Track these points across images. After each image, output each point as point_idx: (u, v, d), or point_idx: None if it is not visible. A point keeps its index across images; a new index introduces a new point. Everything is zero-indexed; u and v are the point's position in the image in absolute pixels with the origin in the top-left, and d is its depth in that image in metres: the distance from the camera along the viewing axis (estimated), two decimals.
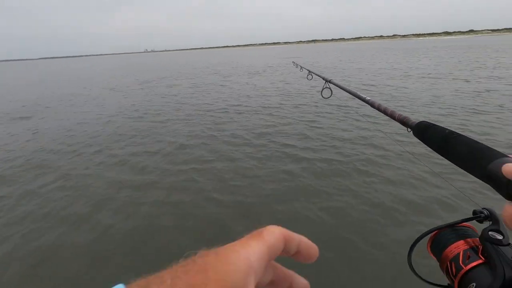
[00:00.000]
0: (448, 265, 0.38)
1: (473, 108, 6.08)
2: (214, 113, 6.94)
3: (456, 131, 0.46)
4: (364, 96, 0.88)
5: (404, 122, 0.62)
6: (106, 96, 11.00)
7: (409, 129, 0.59)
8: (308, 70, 1.27)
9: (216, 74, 17.79)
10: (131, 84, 14.91)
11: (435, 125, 0.51)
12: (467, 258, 0.36)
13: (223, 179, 3.49)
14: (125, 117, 7.17)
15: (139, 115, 7.31)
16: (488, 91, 7.82)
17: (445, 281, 0.40)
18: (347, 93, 1.00)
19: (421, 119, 0.58)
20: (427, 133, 0.51)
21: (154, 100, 9.44)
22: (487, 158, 0.36)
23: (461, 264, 0.36)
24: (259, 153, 4.19)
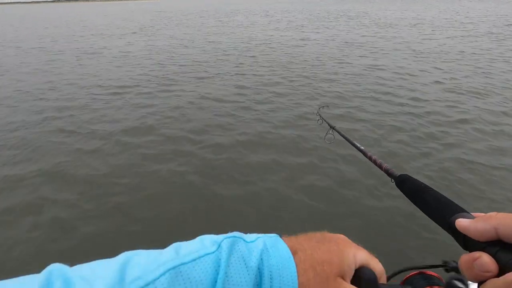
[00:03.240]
0: None
1: None
2: None
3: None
4: (359, 145, 1.00)
5: (388, 173, 0.68)
6: None
7: (392, 180, 0.65)
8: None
9: None
10: None
11: (413, 178, 0.57)
12: None
13: None
14: None
15: None
16: None
17: None
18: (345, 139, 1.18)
19: None
20: (406, 185, 0.57)
21: None
22: (450, 212, 0.42)
23: None
24: None
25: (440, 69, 6.95)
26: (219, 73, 7.30)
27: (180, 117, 4.69)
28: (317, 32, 13.56)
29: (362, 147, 0.96)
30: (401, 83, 5.96)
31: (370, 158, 0.86)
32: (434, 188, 0.51)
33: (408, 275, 0.54)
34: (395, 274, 0.55)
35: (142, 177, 3.19)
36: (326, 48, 9.93)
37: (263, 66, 7.83)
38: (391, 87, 5.80)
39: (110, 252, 0.35)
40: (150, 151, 3.70)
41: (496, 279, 0.30)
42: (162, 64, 8.37)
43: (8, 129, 4.42)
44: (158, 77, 7.03)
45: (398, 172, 0.64)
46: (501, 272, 0.31)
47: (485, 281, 0.31)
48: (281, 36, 12.88)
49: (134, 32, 15.60)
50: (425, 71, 6.78)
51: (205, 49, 10.39)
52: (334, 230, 0.40)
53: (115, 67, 8.12)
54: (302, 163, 3.39)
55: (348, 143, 1.13)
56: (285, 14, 22.53)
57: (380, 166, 0.76)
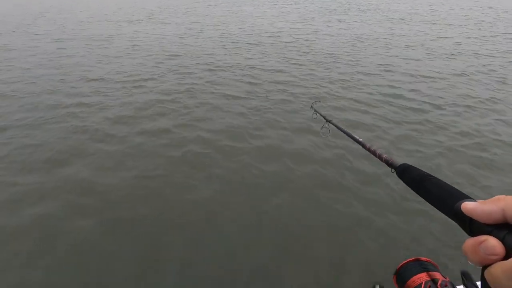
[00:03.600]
0: None
1: None
2: None
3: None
4: (357, 137, 0.98)
5: (389, 163, 0.68)
6: None
7: (393, 170, 0.65)
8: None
9: None
10: None
11: (414, 167, 0.57)
12: None
13: None
14: None
15: None
16: None
17: None
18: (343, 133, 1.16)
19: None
20: (407, 174, 0.57)
21: None
22: (454, 199, 0.42)
23: None
24: None
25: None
26: (231, 66, 7.27)
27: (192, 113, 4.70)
28: (329, 26, 13.33)
29: (361, 139, 0.95)
30: (416, 87, 5.92)
31: (369, 150, 0.85)
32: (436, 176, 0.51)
33: (404, 262, 0.59)
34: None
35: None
36: (338, 43, 9.80)
37: (273, 60, 7.80)
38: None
39: None
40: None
41: (504, 261, 0.29)
42: (173, 55, 8.30)
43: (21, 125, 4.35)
44: (171, 70, 6.97)
45: (398, 162, 0.64)
46: (507, 255, 0.30)
47: (489, 265, 0.31)
48: (290, 29, 12.68)
49: (140, 20, 15.41)
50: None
51: (214, 40, 10.27)
52: None
53: (129, 58, 8.03)
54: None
55: (346, 135, 1.10)
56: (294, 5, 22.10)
57: (380, 157, 0.75)
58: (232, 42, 10.02)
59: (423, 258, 0.64)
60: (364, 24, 13.55)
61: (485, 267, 0.31)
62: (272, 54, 8.35)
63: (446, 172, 3.29)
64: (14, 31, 11.72)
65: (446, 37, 10.58)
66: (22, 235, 2.47)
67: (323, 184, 3.12)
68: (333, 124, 1.35)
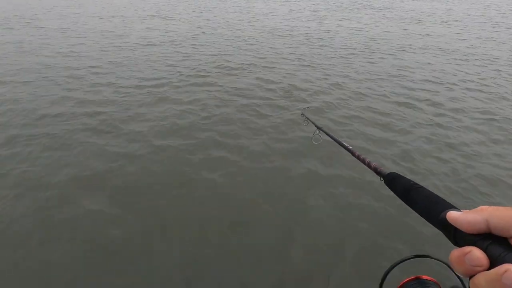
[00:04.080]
0: None
1: None
2: None
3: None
4: (347, 145, 0.99)
5: (377, 171, 0.67)
6: None
7: (381, 179, 0.64)
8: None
9: None
10: None
11: (402, 176, 0.58)
12: None
13: None
14: None
15: None
16: None
17: None
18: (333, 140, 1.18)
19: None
20: (394, 183, 0.58)
21: None
22: (439, 208, 0.43)
23: None
24: None
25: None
26: (243, 64, 7.26)
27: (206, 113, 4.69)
28: (340, 25, 13.17)
29: (350, 147, 0.96)
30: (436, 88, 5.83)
31: (358, 157, 0.85)
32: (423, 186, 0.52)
33: (404, 281, 0.56)
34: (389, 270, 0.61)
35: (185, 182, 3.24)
36: (352, 42, 9.69)
37: (287, 59, 7.75)
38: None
39: None
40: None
41: (487, 272, 0.30)
42: (187, 54, 8.26)
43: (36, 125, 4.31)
44: (188, 70, 6.89)
45: (386, 171, 0.63)
46: (492, 266, 0.31)
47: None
48: (302, 27, 12.56)
49: (153, 16, 15.39)
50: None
51: (226, 38, 10.23)
52: None
53: (145, 61, 7.83)
54: None
55: (336, 143, 1.11)
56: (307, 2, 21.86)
57: (368, 165, 0.75)
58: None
59: (424, 277, 0.61)
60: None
61: (472, 277, 0.32)
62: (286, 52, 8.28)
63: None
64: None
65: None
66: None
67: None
68: (323, 131, 1.37)
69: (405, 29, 12.30)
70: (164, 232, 2.58)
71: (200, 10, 17.21)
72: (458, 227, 0.36)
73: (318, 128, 1.46)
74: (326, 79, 6.45)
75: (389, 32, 11.74)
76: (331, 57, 8.21)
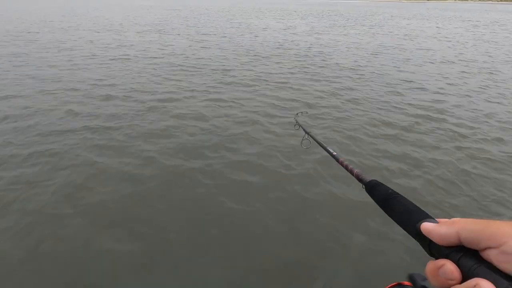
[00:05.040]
0: None
1: None
2: None
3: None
4: (331, 151, 1.00)
5: (359, 179, 0.68)
6: None
7: (363, 186, 0.65)
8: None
9: None
10: None
11: (381, 184, 0.58)
12: None
13: None
14: None
15: None
16: None
17: None
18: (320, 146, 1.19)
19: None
20: (375, 191, 0.58)
21: None
22: (415, 218, 0.42)
23: None
24: None
25: None
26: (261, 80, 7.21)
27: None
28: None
29: (335, 153, 0.97)
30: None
31: (341, 164, 0.86)
32: (402, 194, 0.52)
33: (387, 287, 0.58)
34: None
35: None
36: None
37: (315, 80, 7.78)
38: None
39: None
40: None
41: (458, 285, 0.31)
42: (197, 69, 8.12)
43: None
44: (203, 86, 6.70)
45: (368, 178, 0.63)
46: (464, 279, 0.31)
47: None
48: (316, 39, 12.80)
49: (151, 30, 15.60)
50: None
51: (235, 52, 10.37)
52: None
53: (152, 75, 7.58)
54: None
55: (322, 148, 1.11)
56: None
57: (351, 172, 0.76)
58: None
59: (405, 283, 0.61)
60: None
61: None
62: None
63: None
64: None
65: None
66: None
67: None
68: (311, 136, 1.40)
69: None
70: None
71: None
72: (431, 239, 0.37)
73: (307, 132, 1.48)
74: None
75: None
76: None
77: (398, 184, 3.31)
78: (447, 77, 7.95)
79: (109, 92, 6.11)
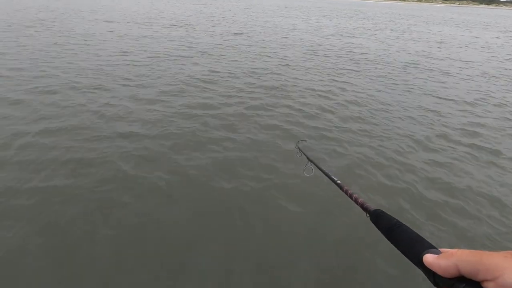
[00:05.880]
0: None
1: None
2: None
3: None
4: (335, 179, 0.98)
5: (364, 207, 0.68)
6: None
7: (367, 215, 0.65)
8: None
9: None
10: None
11: (386, 214, 0.59)
12: None
13: None
14: None
15: None
16: None
17: None
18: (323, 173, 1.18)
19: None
20: (379, 220, 0.59)
21: None
22: (419, 249, 0.43)
23: None
24: None
25: None
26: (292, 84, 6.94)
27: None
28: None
29: (339, 181, 0.96)
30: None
31: (346, 192, 0.85)
32: (405, 223, 0.53)
33: None
34: None
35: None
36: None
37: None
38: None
39: None
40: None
41: None
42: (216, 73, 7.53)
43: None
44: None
45: (373, 207, 0.64)
46: None
47: None
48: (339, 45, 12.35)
49: (174, 25, 15.18)
50: None
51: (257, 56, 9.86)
52: None
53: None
54: None
55: (326, 176, 1.09)
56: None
57: (355, 201, 0.75)
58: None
59: None
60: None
61: None
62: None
63: None
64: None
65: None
66: None
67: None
68: (314, 164, 1.38)
69: None
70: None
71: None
72: (433, 271, 0.38)
73: (310, 160, 1.47)
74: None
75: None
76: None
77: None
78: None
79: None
